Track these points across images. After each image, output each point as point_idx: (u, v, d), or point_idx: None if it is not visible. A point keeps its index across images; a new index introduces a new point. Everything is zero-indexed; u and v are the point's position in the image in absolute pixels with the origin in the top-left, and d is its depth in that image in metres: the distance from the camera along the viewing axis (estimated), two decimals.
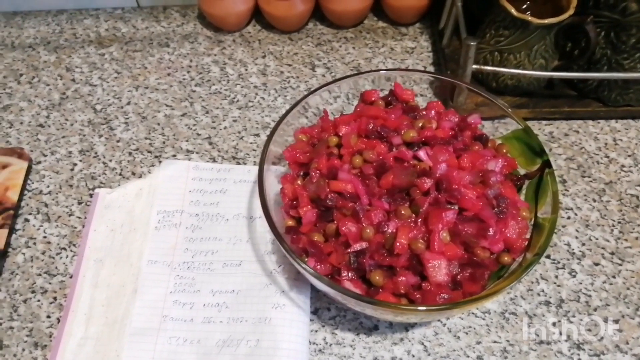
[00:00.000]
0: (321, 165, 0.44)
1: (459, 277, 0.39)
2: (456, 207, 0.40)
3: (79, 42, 0.72)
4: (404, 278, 0.39)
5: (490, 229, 0.39)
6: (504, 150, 0.47)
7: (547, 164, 0.44)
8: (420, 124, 0.45)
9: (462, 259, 0.39)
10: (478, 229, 0.39)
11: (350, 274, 0.40)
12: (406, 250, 0.39)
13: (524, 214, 0.42)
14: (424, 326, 0.48)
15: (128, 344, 0.45)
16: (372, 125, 0.45)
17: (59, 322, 0.48)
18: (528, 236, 0.42)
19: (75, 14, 0.75)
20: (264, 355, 0.44)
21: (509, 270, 0.42)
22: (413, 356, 0.46)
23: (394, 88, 0.50)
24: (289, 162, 0.47)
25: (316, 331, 0.47)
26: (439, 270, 0.38)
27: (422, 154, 0.42)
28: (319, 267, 0.41)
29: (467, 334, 0.47)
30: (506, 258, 0.41)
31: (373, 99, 0.49)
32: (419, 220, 0.40)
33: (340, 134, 0.46)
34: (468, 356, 0.46)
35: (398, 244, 0.38)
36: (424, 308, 0.38)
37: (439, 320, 0.48)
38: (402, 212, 0.40)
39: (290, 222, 0.44)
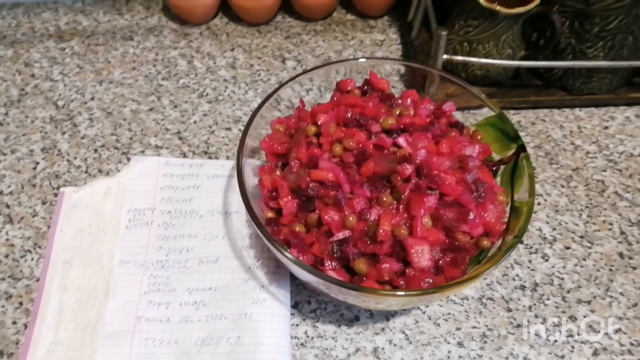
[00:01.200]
0: (301, 154, 0.43)
1: (440, 262, 0.39)
2: (437, 193, 0.40)
3: (38, 36, 0.68)
4: (387, 265, 0.39)
5: (471, 213, 0.40)
6: (479, 137, 0.47)
7: (522, 149, 0.45)
8: (397, 112, 0.45)
9: (444, 244, 0.40)
10: (458, 214, 0.40)
11: (333, 264, 0.40)
12: (389, 237, 0.39)
13: (501, 198, 0.43)
14: (405, 315, 0.48)
15: (102, 347, 0.43)
16: (350, 113, 0.44)
17: (26, 328, 0.46)
18: (505, 220, 0.43)
19: (32, 7, 0.72)
20: (246, 351, 0.43)
21: (487, 254, 0.42)
22: (395, 345, 0.46)
23: (369, 77, 0.49)
24: (266, 152, 0.46)
25: (297, 325, 0.47)
26: (422, 255, 0.38)
27: (401, 140, 0.42)
28: (301, 257, 0.40)
29: (446, 320, 0.48)
30: (485, 242, 0.41)
31: (349, 88, 0.49)
32: (401, 206, 0.40)
33: (319, 123, 0.45)
34: (449, 342, 0.46)
35: (381, 230, 0.38)
36: (409, 293, 0.38)
37: (418, 309, 0.48)
38: (384, 199, 0.40)
39: (270, 214, 0.44)
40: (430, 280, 0.38)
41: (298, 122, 0.48)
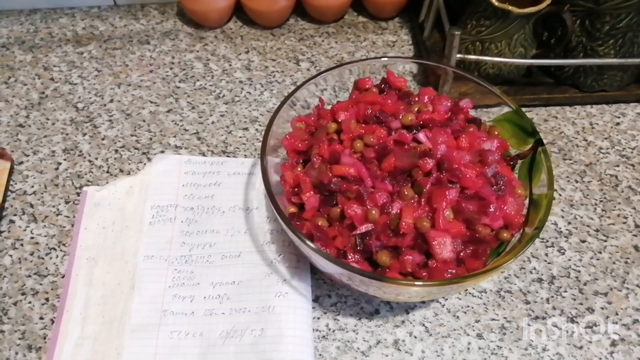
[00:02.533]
0: (322, 150, 0.44)
1: (462, 254, 0.40)
2: (457, 186, 0.41)
3: (56, 41, 0.70)
4: (410, 257, 0.39)
5: (492, 206, 0.40)
6: (496, 132, 0.48)
7: (539, 142, 0.45)
8: (416, 109, 0.46)
9: (465, 236, 0.40)
10: (479, 207, 0.40)
11: (356, 256, 0.41)
12: (412, 229, 0.39)
13: (520, 191, 0.44)
14: (424, 308, 0.49)
15: (129, 340, 0.44)
16: (370, 110, 0.45)
17: (53, 323, 0.47)
18: (524, 213, 0.44)
19: (50, 13, 0.73)
20: (270, 343, 0.44)
21: (506, 246, 0.43)
22: (415, 337, 0.47)
23: (387, 75, 0.50)
24: (287, 150, 0.47)
25: (318, 318, 0.48)
26: (445, 247, 0.39)
27: (421, 136, 0.43)
28: (325, 250, 0.41)
29: (465, 313, 0.48)
30: (505, 234, 0.42)
31: (367, 86, 0.50)
32: (422, 200, 0.41)
33: (340, 120, 0.46)
34: (468, 334, 0.47)
35: (404, 223, 0.39)
36: (430, 283, 0.39)
37: (437, 302, 0.49)
38: (406, 192, 0.41)
39: (292, 209, 0.44)
40: (453, 271, 0.39)
41: (318, 120, 0.49)
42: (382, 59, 0.56)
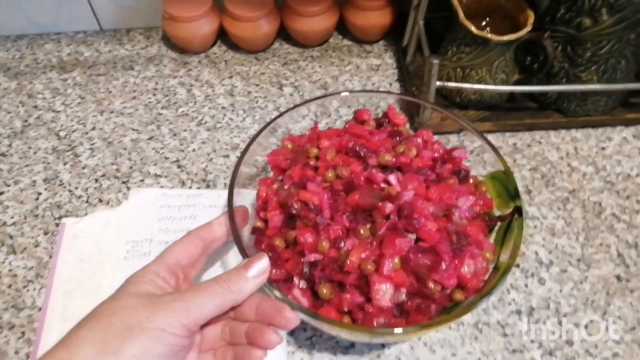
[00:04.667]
0: (295, 173, 0.45)
1: (407, 305, 0.39)
2: (413, 236, 0.40)
3: (41, 67, 0.70)
4: (349, 296, 0.39)
5: (443, 263, 0.39)
6: (483, 189, 0.47)
7: (518, 210, 0.44)
8: (401, 150, 0.45)
9: (412, 288, 0.40)
10: (432, 262, 0.39)
11: (301, 283, 0.41)
12: (355, 268, 0.39)
13: (487, 255, 0.42)
14: (400, 342, 0.48)
15: None
16: (352, 143, 0.45)
17: (28, 358, 0.47)
18: (486, 277, 0.42)
19: (36, 39, 0.74)
20: None
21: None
22: None
23: (387, 111, 0.50)
24: (272, 165, 0.48)
25: (293, 352, 0.47)
26: (384, 294, 0.38)
27: (392, 178, 0.42)
28: (274, 271, 0.41)
29: (442, 346, 0.48)
30: (459, 295, 0.41)
31: (365, 118, 0.50)
32: (375, 242, 0.40)
33: (321, 147, 0.46)
34: None
35: (349, 261, 0.39)
36: (357, 328, 0.39)
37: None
38: (361, 231, 0.40)
39: (259, 224, 0.45)
40: (384, 321, 0.38)
41: (307, 142, 0.49)
42: (363, 92, 0.56)
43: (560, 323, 0.49)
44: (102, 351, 0.33)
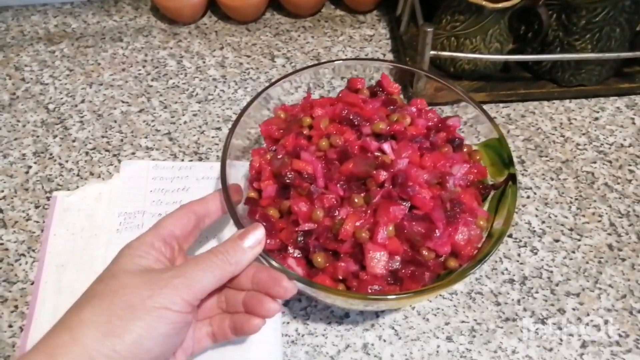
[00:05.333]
0: (288, 143, 0.44)
1: (400, 273, 0.40)
2: (407, 204, 0.40)
3: (27, 39, 0.69)
4: (343, 264, 0.39)
5: (437, 231, 0.39)
6: (477, 157, 0.47)
7: (512, 177, 0.44)
8: (395, 118, 0.45)
9: (406, 256, 0.40)
10: (426, 229, 0.39)
11: (296, 252, 0.41)
12: (350, 237, 0.39)
13: (481, 222, 0.43)
14: (394, 311, 0.48)
15: None
16: (346, 111, 0.45)
17: (22, 331, 0.47)
18: (480, 245, 0.42)
19: (22, 10, 0.72)
20: (238, 350, 0.44)
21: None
22: (384, 341, 0.47)
23: (381, 79, 0.50)
24: (264, 135, 0.48)
25: (288, 323, 0.48)
26: (378, 262, 0.38)
27: (386, 146, 0.42)
28: (268, 241, 0.41)
29: (435, 315, 0.48)
30: (452, 263, 0.41)
31: (358, 86, 0.49)
32: (369, 211, 0.40)
33: (314, 116, 0.46)
34: (438, 337, 0.47)
35: (343, 229, 0.39)
36: (349, 294, 0.39)
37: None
38: (355, 200, 0.40)
39: (252, 194, 0.45)
40: (378, 288, 0.39)
41: (300, 111, 0.49)
42: (356, 60, 0.55)
43: (552, 292, 0.49)
44: (106, 333, 0.33)
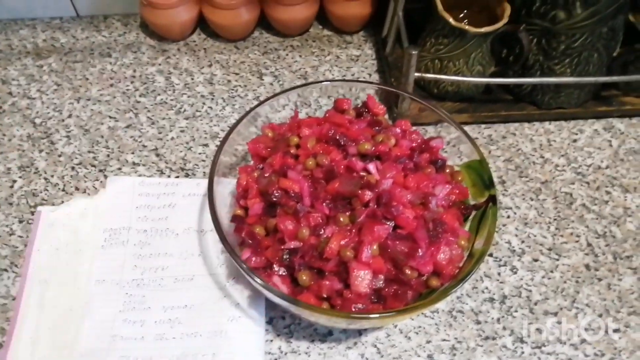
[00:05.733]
0: (275, 161, 0.45)
1: (384, 291, 0.40)
2: (392, 224, 0.41)
3: (15, 53, 0.69)
4: (328, 282, 0.40)
5: (420, 250, 0.40)
6: (459, 178, 0.48)
7: (492, 199, 0.45)
8: (380, 139, 0.46)
9: (389, 275, 0.40)
10: (409, 248, 0.40)
11: (281, 270, 0.41)
12: (335, 255, 0.40)
13: (462, 242, 0.44)
14: (377, 329, 0.49)
15: None
16: (332, 132, 0.46)
17: (1, 347, 0.46)
18: (461, 265, 0.43)
19: (10, 24, 0.72)
20: None
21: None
22: (367, 359, 0.47)
23: (367, 101, 0.51)
24: (252, 153, 0.49)
25: (271, 340, 0.48)
26: (362, 280, 0.39)
27: (371, 167, 0.43)
28: (254, 259, 0.42)
29: (417, 333, 0.49)
30: (434, 282, 0.42)
31: (345, 107, 0.50)
32: (354, 230, 0.41)
33: (301, 136, 0.47)
34: (419, 355, 0.48)
35: (328, 248, 0.40)
36: (334, 313, 0.40)
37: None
38: (341, 219, 0.41)
39: (239, 212, 0.46)
40: (361, 306, 0.39)
41: (287, 130, 0.49)
42: (343, 82, 0.56)
43: (531, 311, 0.50)
44: None
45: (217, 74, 0.68)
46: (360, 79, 0.68)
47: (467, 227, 0.47)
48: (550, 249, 0.55)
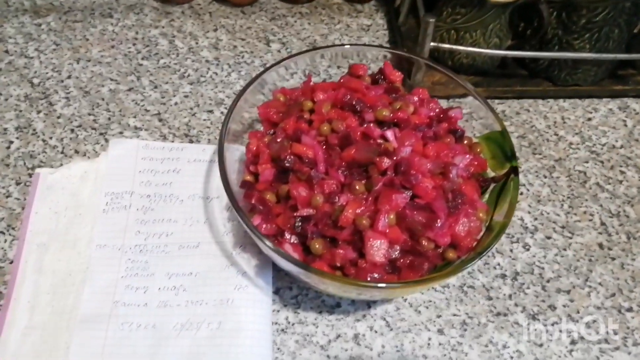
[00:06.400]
0: (288, 126, 0.43)
1: (399, 262, 0.39)
2: (409, 193, 0.40)
3: (12, 11, 0.66)
4: (342, 251, 0.39)
5: (438, 221, 0.39)
6: (478, 150, 0.46)
7: (514, 170, 0.43)
8: (398, 106, 0.44)
9: (405, 245, 0.39)
10: (427, 219, 0.39)
11: (292, 238, 0.40)
12: (350, 224, 0.38)
13: (481, 215, 0.42)
14: (386, 302, 0.48)
15: (77, 331, 0.42)
16: (348, 97, 0.44)
17: None
18: (479, 237, 0.42)
19: None
20: (227, 337, 0.43)
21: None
22: (375, 332, 0.46)
23: (383, 67, 0.49)
24: (262, 118, 0.47)
25: (278, 311, 0.46)
26: (378, 250, 0.38)
27: (389, 134, 0.42)
28: (264, 226, 0.40)
29: (427, 308, 0.48)
30: (451, 254, 0.41)
31: (361, 73, 0.48)
32: (370, 198, 0.39)
33: (316, 100, 0.45)
34: (429, 329, 0.46)
35: (343, 216, 0.38)
36: (346, 281, 0.38)
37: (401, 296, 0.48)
38: (356, 187, 0.40)
39: (248, 177, 0.44)
40: (377, 276, 0.38)
41: (300, 95, 0.48)
42: (355, 46, 0.54)
43: (543, 288, 0.49)
44: None
45: (222, 39, 0.66)
46: (375, 45, 0.66)
47: (484, 199, 0.45)
48: (563, 227, 0.53)
